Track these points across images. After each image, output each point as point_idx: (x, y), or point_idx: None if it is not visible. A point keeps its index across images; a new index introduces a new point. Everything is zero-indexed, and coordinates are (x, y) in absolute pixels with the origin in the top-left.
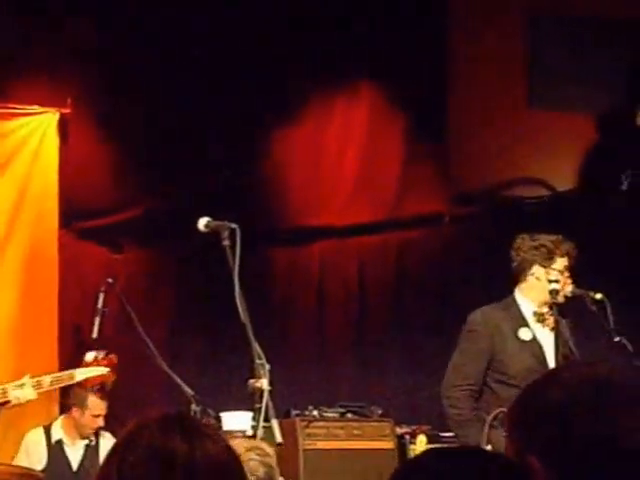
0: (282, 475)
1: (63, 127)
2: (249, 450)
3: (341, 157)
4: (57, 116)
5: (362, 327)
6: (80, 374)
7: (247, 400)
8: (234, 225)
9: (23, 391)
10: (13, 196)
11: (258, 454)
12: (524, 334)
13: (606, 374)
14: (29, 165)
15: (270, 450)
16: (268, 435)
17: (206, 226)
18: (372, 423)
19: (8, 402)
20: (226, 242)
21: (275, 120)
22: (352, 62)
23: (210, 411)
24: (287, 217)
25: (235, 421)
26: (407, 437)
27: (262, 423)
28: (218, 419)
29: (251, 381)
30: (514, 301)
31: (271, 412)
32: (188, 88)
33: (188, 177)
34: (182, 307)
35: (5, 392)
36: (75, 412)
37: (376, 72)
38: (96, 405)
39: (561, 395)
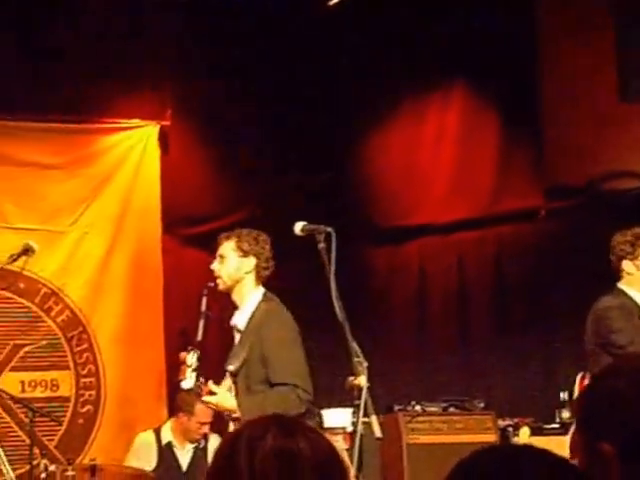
0: (386, 469)
1: (163, 139)
2: None
3: (437, 155)
4: (157, 128)
5: (463, 322)
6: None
7: (347, 397)
8: (329, 228)
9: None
10: (117, 208)
11: None
12: None
13: None
14: (132, 177)
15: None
16: (367, 431)
17: (302, 230)
18: (474, 416)
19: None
20: (322, 245)
21: (371, 121)
22: (444, 61)
23: (314, 409)
24: (385, 216)
25: (336, 418)
26: (510, 429)
27: (361, 419)
28: (320, 416)
29: (350, 378)
30: (623, 292)
31: (370, 408)
32: (284, 93)
33: (287, 181)
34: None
35: None
36: (182, 417)
37: (468, 70)
38: (203, 412)
39: (625, 384)
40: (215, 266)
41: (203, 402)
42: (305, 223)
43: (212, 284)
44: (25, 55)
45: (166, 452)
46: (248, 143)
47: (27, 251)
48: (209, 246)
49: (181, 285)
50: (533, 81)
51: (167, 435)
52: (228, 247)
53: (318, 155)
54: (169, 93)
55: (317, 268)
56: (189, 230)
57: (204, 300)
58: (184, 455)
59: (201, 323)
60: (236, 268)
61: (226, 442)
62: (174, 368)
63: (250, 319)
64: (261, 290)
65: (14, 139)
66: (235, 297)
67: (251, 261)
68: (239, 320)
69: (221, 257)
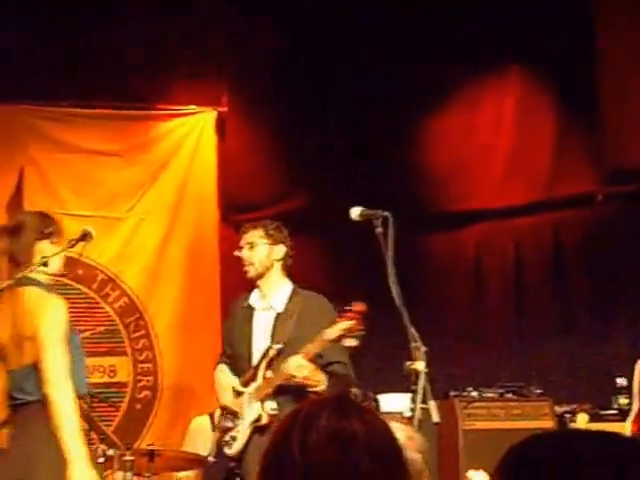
0: (442, 455)
1: (220, 125)
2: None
3: (493, 140)
4: (214, 115)
5: (520, 308)
6: (329, 333)
7: (404, 382)
8: (386, 213)
9: (295, 360)
10: (173, 194)
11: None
12: None
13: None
14: (188, 163)
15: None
16: (425, 416)
17: (359, 215)
18: (531, 402)
19: (292, 376)
20: (379, 230)
21: (426, 106)
22: (500, 45)
23: (370, 393)
24: (440, 202)
25: (393, 403)
26: (567, 416)
27: (419, 405)
28: (376, 401)
29: (407, 363)
30: None
31: (428, 394)
32: (340, 79)
33: (342, 167)
34: (341, 293)
35: (285, 365)
36: None
37: (524, 54)
38: None
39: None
40: (245, 253)
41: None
42: (363, 208)
43: None
44: (83, 41)
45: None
46: (303, 130)
47: (85, 237)
48: None
49: (237, 272)
50: (590, 64)
51: None
52: (257, 235)
53: (374, 141)
54: (226, 79)
55: (373, 254)
56: (245, 217)
57: None
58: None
59: None
60: (267, 255)
61: (285, 419)
62: None
63: (289, 302)
64: (287, 278)
65: (71, 126)
66: (264, 284)
67: (281, 249)
68: (275, 303)
69: (250, 245)
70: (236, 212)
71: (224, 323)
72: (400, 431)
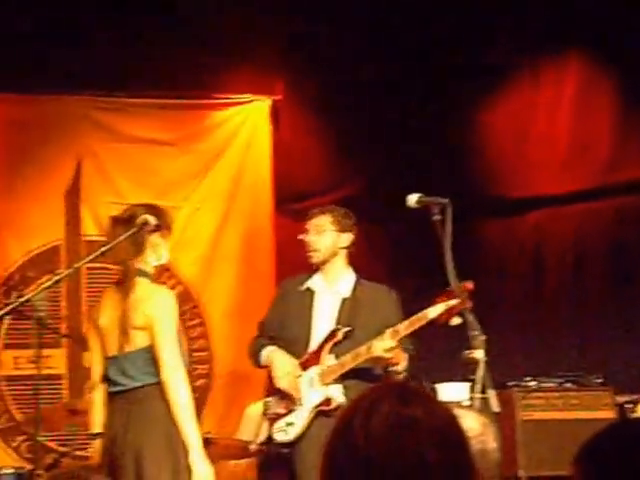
0: (499, 446)
1: (274, 114)
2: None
3: (552, 125)
4: (268, 103)
5: (579, 295)
6: (432, 312)
7: (462, 371)
8: (444, 200)
9: (384, 342)
10: (228, 183)
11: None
12: None
13: None
14: (243, 152)
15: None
16: (484, 406)
17: (418, 202)
18: (591, 392)
19: (378, 358)
20: (437, 217)
21: (486, 90)
22: (561, 28)
23: (427, 382)
24: (499, 188)
25: (452, 392)
26: (628, 406)
27: (478, 394)
28: (434, 390)
29: (466, 352)
30: None
31: (487, 382)
32: (397, 64)
33: (399, 153)
34: (396, 283)
35: (370, 347)
36: None
37: (585, 37)
38: None
39: None
40: (311, 239)
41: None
42: (420, 195)
43: None
44: (137, 31)
45: None
46: (358, 118)
47: (144, 225)
48: None
49: (291, 260)
50: None
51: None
52: (325, 221)
53: (432, 126)
54: (280, 68)
55: (430, 241)
56: (300, 205)
57: None
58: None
59: None
60: (333, 242)
61: (348, 407)
62: None
63: (354, 290)
64: (350, 267)
65: (127, 116)
66: (327, 270)
67: (348, 237)
68: (342, 288)
69: (317, 230)
70: (290, 201)
71: (271, 306)
72: (476, 421)
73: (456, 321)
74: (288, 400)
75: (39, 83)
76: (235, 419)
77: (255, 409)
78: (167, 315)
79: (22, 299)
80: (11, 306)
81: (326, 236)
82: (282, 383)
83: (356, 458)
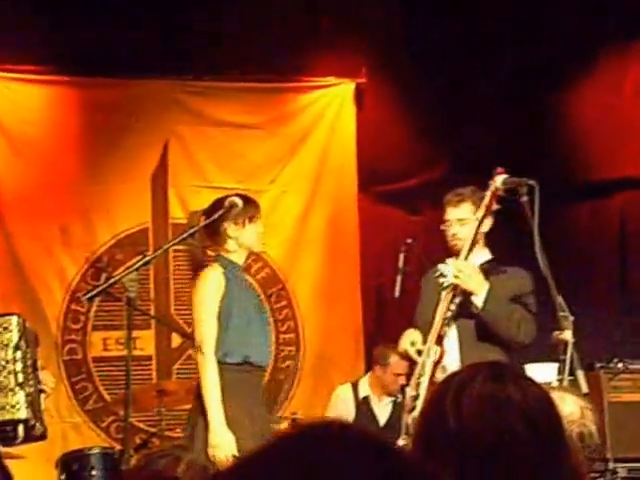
0: (598, 429)
1: (359, 96)
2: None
3: (638, 107)
4: (353, 86)
5: None
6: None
7: (550, 352)
8: (532, 181)
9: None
10: (314, 165)
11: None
12: None
13: None
14: (328, 135)
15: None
16: (573, 387)
17: (504, 183)
18: None
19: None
20: (524, 198)
21: (572, 73)
22: None
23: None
24: (585, 170)
25: (540, 373)
26: None
27: (567, 375)
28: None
29: (555, 333)
30: None
31: (576, 363)
32: (480, 44)
33: (484, 135)
34: None
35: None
36: (378, 370)
37: None
38: (398, 364)
39: None
40: (455, 229)
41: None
42: (507, 176)
43: (410, 241)
44: (225, 14)
45: (363, 406)
46: (442, 99)
47: (232, 208)
48: (404, 203)
49: (377, 242)
50: None
51: (364, 389)
52: (468, 210)
53: (518, 109)
54: (364, 51)
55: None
56: (384, 187)
57: (402, 257)
58: (381, 409)
59: (399, 279)
60: (475, 231)
61: (439, 385)
62: (370, 323)
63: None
64: (487, 249)
65: (214, 99)
66: (474, 256)
67: (489, 222)
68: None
69: (461, 221)
70: (375, 183)
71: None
72: (575, 405)
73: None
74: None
75: (127, 67)
76: (323, 400)
77: (343, 391)
78: (197, 295)
79: (113, 280)
80: (102, 287)
81: (470, 226)
82: (406, 351)
83: (447, 436)
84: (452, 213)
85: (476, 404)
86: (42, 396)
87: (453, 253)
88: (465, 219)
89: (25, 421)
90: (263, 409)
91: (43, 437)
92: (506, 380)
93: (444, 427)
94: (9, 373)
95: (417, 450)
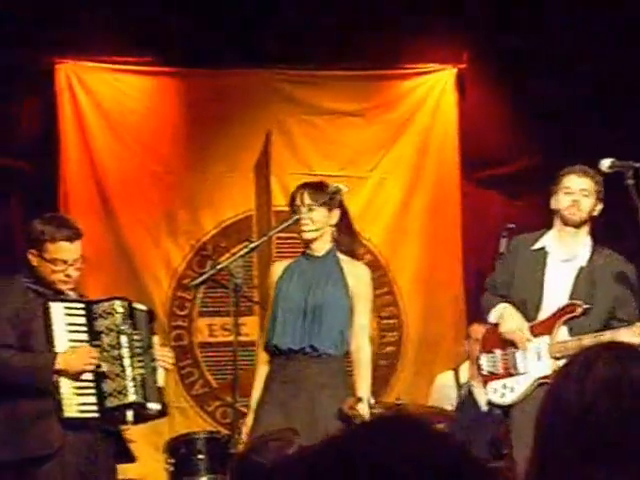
0: None
1: (460, 83)
2: None
3: None
4: (454, 72)
5: None
6: None
7: None
8: (638, 164)
9: (633, 333)
10: (415, 152)
11: None
12: None
13: None
14: (430, 120)
15: None
16: None
17: (609, 167)
18: None
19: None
20: (630, 181)
21: None
22: None
23: None
24: None
25: None
26: None
27: None
28: None
29: None
30: None
31: None
32: (579, 31)
33: (583, 119)
34: None
35: (615, 336)
36: (467, 345)
37: None
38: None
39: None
40: (578, 197)
41: None
42: (613, 159)
43: (512, 225)
44: (326, 3)
45: (465, 392)
46: (544, 84)
47: (336, 193)
48: (504, 188)
49: (477, 227)
50: None
51: (465, 375)
52: (593, 184)
53: (614, 93)
54: (466, 36)
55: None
56: (485, 173)
57: (503, 241)
58: (483, 395)
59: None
60: (591, 209)
61: (560, 371)
62: (472, 309)
63: (591, 257)
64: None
65: (316, 88)
66: (568, 232)
67: (601, 206)
68: (580, 254)
69: (584, 191)
70: (477, 168)
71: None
72: None
73: None
74: (506, 361)
75: (230, 57)
76: (424, 386)
77: (445, 377)
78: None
79: (219, 266)
80: (209, 274)
81: (590, 200)
82: (512, 335)
83: (569, 421)
84: (576, 182)
85: (600, 388)
86: (160, 373)
87: (568, 223)
88: (588, 190)
89: (133, 404)
90: None
91: (163, 414)
92: (629, 360)
93: (567, 414)
94: (115, 359)
95: (539, 431)
